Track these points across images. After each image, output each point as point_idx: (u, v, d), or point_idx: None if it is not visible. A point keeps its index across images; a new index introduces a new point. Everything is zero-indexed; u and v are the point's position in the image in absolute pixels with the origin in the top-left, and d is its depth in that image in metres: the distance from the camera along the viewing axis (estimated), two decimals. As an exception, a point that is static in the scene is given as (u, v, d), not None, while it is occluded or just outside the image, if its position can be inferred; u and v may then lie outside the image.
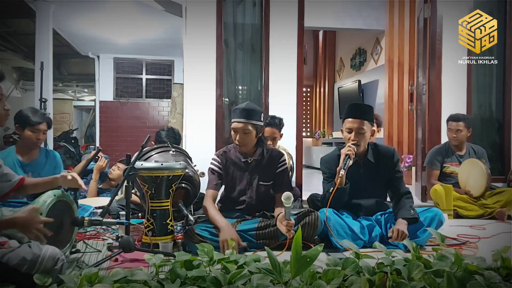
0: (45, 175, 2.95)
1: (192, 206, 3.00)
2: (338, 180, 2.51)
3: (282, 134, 3.62)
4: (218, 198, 2.71)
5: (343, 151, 2.57)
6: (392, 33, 6.16)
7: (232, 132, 2.61)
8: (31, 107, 3.22)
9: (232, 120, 2.60)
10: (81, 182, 2.04)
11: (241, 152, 2.65)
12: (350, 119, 2.62)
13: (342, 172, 2.49)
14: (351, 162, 2.54)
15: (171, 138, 3.50)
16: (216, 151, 3.92)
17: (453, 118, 3.88)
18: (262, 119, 2.62)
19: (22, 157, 2.99)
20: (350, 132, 2.62)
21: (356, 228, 2.51)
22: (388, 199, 2.80)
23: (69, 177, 2.02)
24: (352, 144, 2.57)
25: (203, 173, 2.74)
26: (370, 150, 2.71)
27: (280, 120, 3.57)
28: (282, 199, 2.23)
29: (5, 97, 1.85)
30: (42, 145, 4.66)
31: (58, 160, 3.15)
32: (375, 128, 3.70)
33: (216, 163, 2.66)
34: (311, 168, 8.81)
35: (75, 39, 8.16)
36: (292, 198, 2.23)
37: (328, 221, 2.45)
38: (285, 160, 2.72)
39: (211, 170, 2.65)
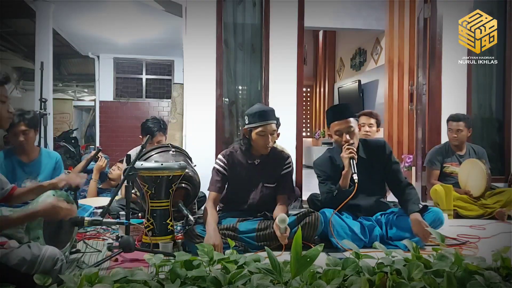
0: (44, 176, 2.94)
1: (196, 204, 3.00)
2: (355, 186, 2.45)
3: (279, 133, 3.61)
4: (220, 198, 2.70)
5: (344, 155, 2.53)
6: (392, 33, 6.16)
7: (257, 136, 2.52)
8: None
9: (256, 125, 2.51)
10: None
11: (248, 153, 2.62)
12: (335, 122, 2.62)
13: (355, 176, 2.46)
14: (355, 162, 2.52)
15: (157, 124, 3.50)
16: (216, 151, 3.93)
17: (453, 118, 3.88)
18: None
19: (22, 158, 2.95)
20: (340, 135, 2.61)
21: (357, 228, 2.50)
22: (388, 198, 2.79)
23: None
24: (349, 145, 2.55)
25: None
26: (360, 147, 2.70)
27: (277, 120, 3.55)
28: (277, 221, 2.25)
29: (9, 99, 1.85)
30: (42, 145, 4.70)
31: (58, 161, 3.08)
32: (376, 123, 3.72)
33: (222, 163, 2.61)
34: (311, 168, 8.78)
35: (75, 39, 8.16)
36: (287, 221, 2.25)
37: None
38: (290, 162, 2.69)
39: (216, 171, 2.61)
